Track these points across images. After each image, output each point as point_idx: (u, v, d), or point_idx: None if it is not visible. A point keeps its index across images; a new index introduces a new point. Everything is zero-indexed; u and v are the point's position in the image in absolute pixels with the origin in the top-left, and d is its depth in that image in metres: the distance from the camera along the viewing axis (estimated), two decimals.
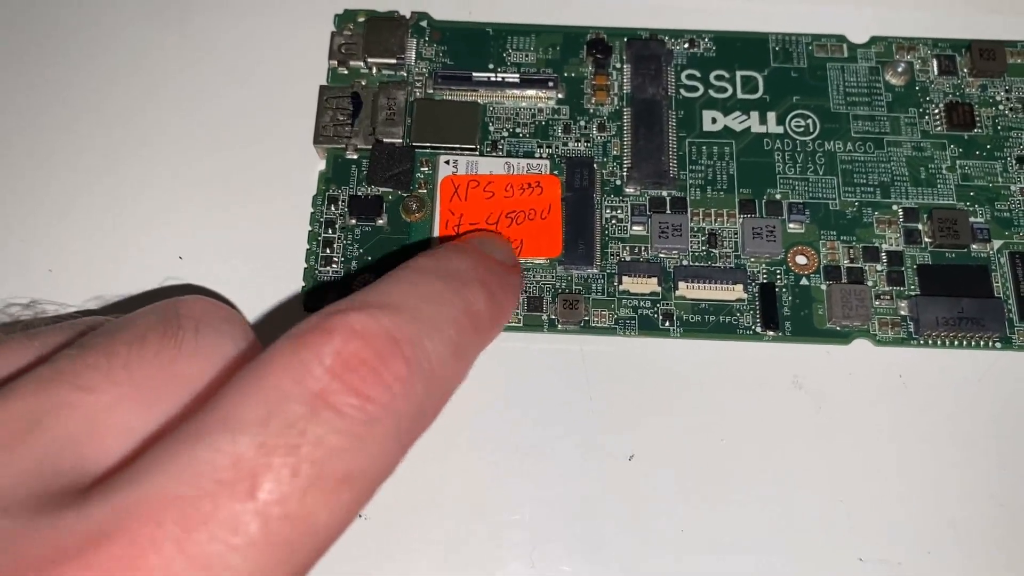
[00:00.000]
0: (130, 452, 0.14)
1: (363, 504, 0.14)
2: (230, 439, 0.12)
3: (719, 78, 0.28)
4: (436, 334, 0.16)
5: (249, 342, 0.16)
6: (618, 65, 0.28)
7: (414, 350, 0.15)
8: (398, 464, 0.15)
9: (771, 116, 0.27)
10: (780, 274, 0.26)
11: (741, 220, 0.26)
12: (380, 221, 0.26)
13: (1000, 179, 0.27)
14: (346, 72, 0.28)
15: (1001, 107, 0.28)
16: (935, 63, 0.28)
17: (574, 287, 0.26)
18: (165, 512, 0.12)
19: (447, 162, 0.27)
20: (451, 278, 0.18)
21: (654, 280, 0.25)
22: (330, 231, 0.26)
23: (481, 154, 0.27)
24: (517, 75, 0.28)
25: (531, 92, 0.27)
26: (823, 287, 0.26)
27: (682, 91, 0.28)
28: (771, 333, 0.25)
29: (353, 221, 0.26)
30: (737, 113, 0.28)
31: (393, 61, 0.28)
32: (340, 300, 0.15)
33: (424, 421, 0.16)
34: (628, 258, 0.26)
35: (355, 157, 0.27)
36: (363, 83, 0.28)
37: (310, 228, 0.26)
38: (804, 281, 0.26)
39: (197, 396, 0.15)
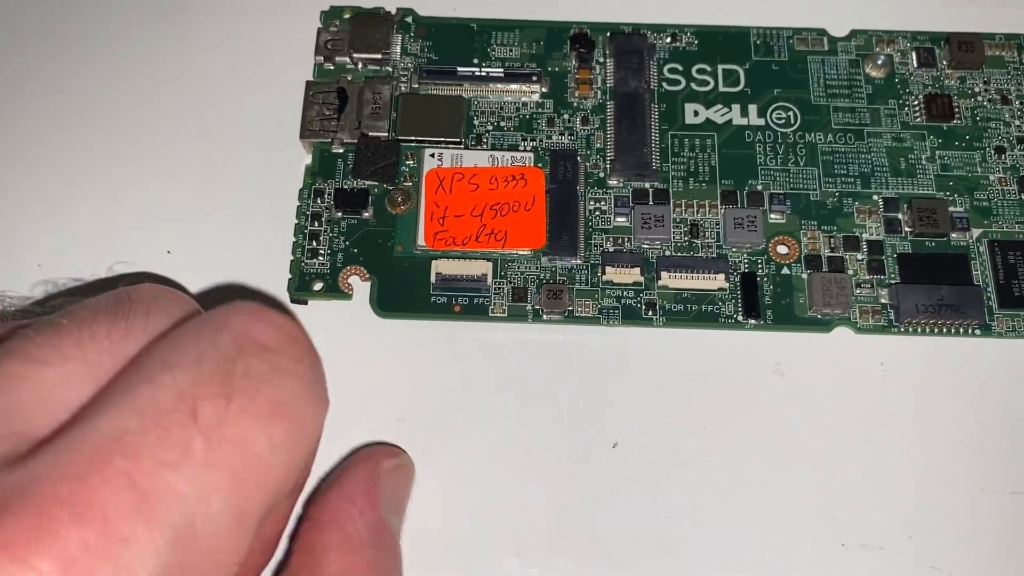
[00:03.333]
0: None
1: (298, 447, 0.14)
2: (169, 377, 0.13)
3: (701, 71, 0.28)
4: None
5: None
6: (601, 59, 0.28)
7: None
8: (318, 421, 0.15)
9: (752, 108, 0.28)
10: (761, 264, 0.26)
11: (723, 211, 0.26)
12: (366, 214, 0.26)
13: (979, 169, 0.27)
14: (332, 68, 0.28)
15: (980, 98, 0.28)
16: (914, 55, 0.29)
17: (558, 277, 0.26)
18: (112, 447, 0.12)
19: (432, 155, 0.27)
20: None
21: (637, 270, 0.26)
22: (316, 224, 0.26)
23: (466, 147, 0.27)
24: (501, 70, 0.28)
25: (515, 86, 0.28)
26: (804, 276, 0.26)
27: (664, 84, 0.28)
28: (753, 321, 0.25)
29: (339, 214, 0.26)
30: (719, 106, 0.28)
31: (378, 56, 0.28)
32: None
33: (323, 393, 0.16)
34: (611, 249, 0.26)
35: (341, 151, 0.27)
36: (349, 78, 0.28)
37: (296, 221, 0.26)
38: (785, 270, 0.26)
39: None
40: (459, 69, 0.28)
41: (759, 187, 0.27)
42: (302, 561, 0.17)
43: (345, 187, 0.27)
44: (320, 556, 0.17)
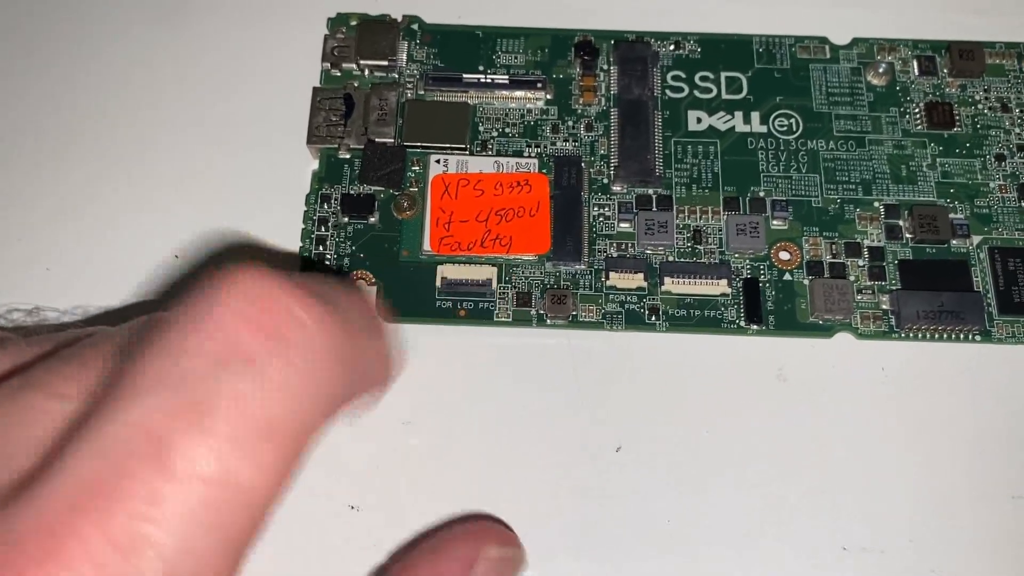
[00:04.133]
0: None
1: (291, 462, 0.13)
2: (138, 409, 0.12)
3: (704, 79, 0.29)
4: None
5: None
6: (605, 67, 0.29)
7: (324, 303, 0.13)
8: (323, 419, 0.13)
9: (755, 116, 0.28)
10: (764, 269, 0.26)
11: (725, 217, 0.27)
12: (372, 219, 0.27)
13: (979, 176, 0.27)
14: (339, 74, 0.28)
15: (980, 106, 0.28)
16: (915, 64, 0.29)
17: (562, 283, 0.26)
18: (84, 497, 0.11)
19: (438, 161, 0.27)
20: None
21: (640, 276, 0.26)
22: (323, 229, 0.27)
23: (471, 153, 0.27)
24: (506, 76, 0.28)
25: (520, 93, 0.28)
26: (806, 282, 0.26)
27: (668, 92, 0.28)
28: (755, 327, 0.26)
29: (346, 219, 0.27)
30: (721, 113, 0.28)
31: (385, 63, 0.28)
32: None
33: (346, 376, 0.14)
34: (615, 254, 0.26)
35: (348, 156, 0.27)
36: (355, 84, 0.28)
37: (303, 226, 0.27)
38: (787, 276, 0.26)
39: None
40: (464, 76, 0.28)
41: (761, 194, 0.27)
42: None
43: (352, 192, 0.27)
44: None
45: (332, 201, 0.27)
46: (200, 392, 0.12)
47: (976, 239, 0.27)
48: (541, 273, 0.26)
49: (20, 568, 0.11)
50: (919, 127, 0.28)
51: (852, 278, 0.26)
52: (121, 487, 0.11)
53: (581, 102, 0.28)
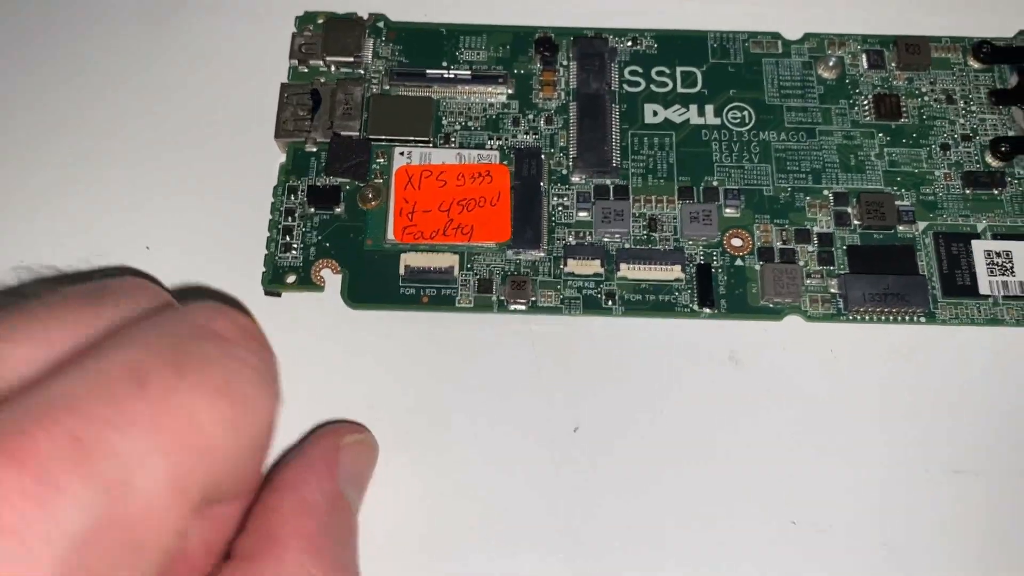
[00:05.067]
0: None
1: (244, 428, 0.15)
2: (122, 352, 0.14)
3: (660, 74, 0.30)
4: None
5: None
6: (564, 62, 0.30)
7: None
8: (275, 405, 0.16)
9: (709, 109, 0.29)
10: (716, 255, 0.27)
11: (680, 205, 0.28)
12: (338, 209, 0.27)
13: (925, 165, 0.28)
14: (306, 70, 0.29)
15: (926, 98, 0.29)
16: (864, 57, 0.30)
17: (522, 270, 0.27)
18: (57, 406, 0.12)
19: (402, 153, 0.28)
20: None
21: (597, 262, 0.27)
22: (290, 219, 0.27)
23: (434, 146, 0.28)
24: (469, 72, 0.29)
25: (482, 87, 0.29)
26: (757, 267, 0.27)
27: (625, 86, 0.29)
28: (708, 311, 0.26)
29: (312, 210, 0.27)
30: (677, 106, 0.29)
31: (351, 59, 0.29)
32: None
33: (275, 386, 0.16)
34: (573, 242, 0.27)
35: (314, 150, 0.28)
36: (322, 80, 0.29)
37: (271, 217, 0.27)
38: (739, 262, 0.27)
39: None
40: (428, 71, 0.29)
41: (715, 183, 0.28)
42: (257, 521, 0.18)
43: (318, 184, 0.28)
44: (273, 516, 0.18)
45: (299, 192, 0.28)
46: (176, 345, 0.14)
47: (922, 225, 0.28)
48: (502, 260, 0.27)
49: None
50: (867, 118, 0.29)
51: (802, 263, 0.27)
52: (97, 401, 0.13)
53: (541, 96, 0.29)
